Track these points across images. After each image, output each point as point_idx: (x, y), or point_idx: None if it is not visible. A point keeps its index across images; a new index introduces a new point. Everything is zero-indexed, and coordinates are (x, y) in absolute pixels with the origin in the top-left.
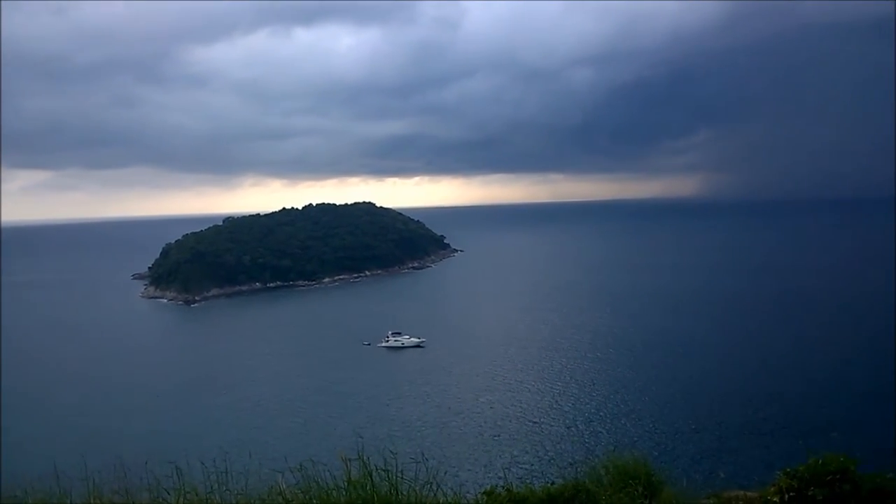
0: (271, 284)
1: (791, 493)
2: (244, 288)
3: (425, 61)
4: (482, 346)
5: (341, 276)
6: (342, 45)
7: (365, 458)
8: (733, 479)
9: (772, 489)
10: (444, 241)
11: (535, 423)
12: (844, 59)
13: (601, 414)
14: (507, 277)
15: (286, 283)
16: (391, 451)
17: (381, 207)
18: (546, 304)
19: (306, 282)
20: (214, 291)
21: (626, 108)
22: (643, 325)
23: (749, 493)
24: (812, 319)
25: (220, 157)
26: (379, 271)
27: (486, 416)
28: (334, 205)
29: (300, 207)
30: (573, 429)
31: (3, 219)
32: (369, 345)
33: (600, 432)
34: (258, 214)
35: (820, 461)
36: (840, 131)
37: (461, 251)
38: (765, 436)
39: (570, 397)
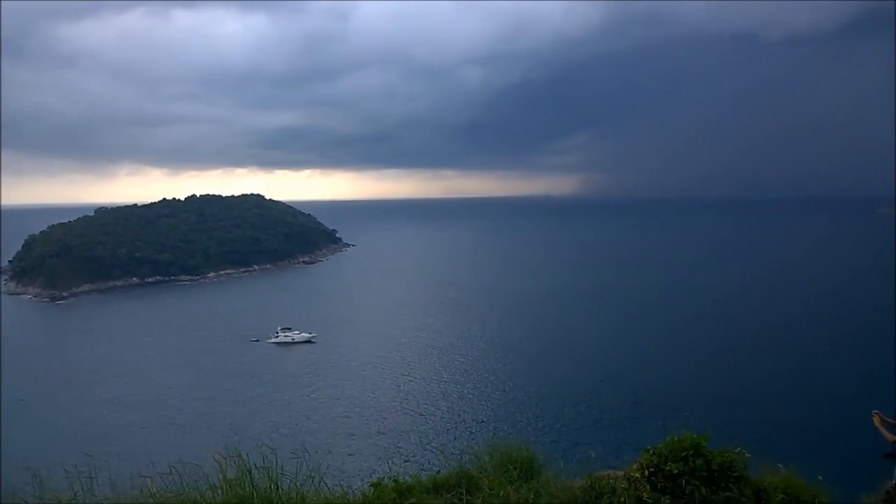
0: (150, 279)
1: (651, 469)
2: (119, 283)
3: (316, 52)
4: (371, 340)
5: (227, 271)
6: (226, 30)
7: (243, 455)
8: (603, 460)
9: (634, 466)
10: (336, 236)
11: (421, 415)
12: (711, 67)
13: (484, 404)
14: (397, 273)
15: (167, 278)
16: (269, 448)
17: (270, 200)
18: (432, 300)
19: (189, 277)
20: (85, 287)
21: (514, 108)
22: (521, 319)
23: (616, 472)
24: (673, 308)
25: (92, 143)
26: (268, 266)
27: (373, 410)
28: (220, 196)
29: (182, 198)
30: (457, 419)
31: None
32: (258, 341)
33: (483, 421)
34: (136, 205)
35: (676, 439)
36: (711, 135)
37: (353, 246)
38: (634, 419)
39: (455, 389)
